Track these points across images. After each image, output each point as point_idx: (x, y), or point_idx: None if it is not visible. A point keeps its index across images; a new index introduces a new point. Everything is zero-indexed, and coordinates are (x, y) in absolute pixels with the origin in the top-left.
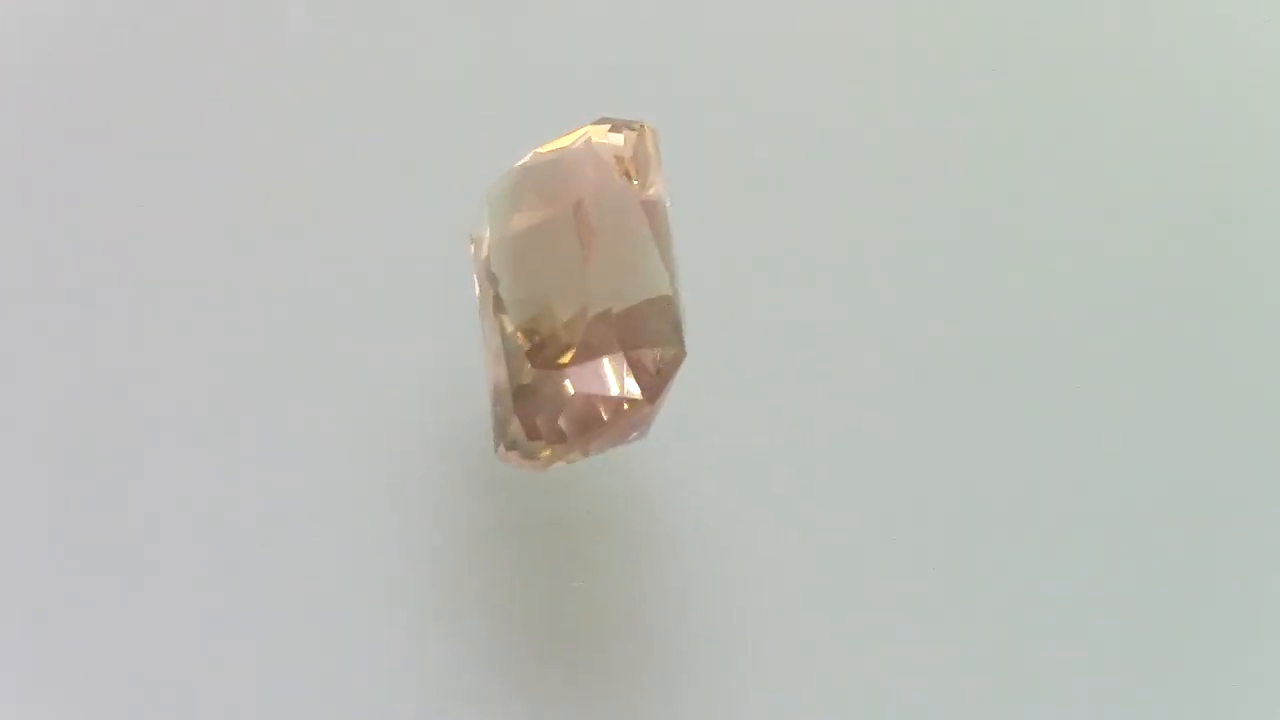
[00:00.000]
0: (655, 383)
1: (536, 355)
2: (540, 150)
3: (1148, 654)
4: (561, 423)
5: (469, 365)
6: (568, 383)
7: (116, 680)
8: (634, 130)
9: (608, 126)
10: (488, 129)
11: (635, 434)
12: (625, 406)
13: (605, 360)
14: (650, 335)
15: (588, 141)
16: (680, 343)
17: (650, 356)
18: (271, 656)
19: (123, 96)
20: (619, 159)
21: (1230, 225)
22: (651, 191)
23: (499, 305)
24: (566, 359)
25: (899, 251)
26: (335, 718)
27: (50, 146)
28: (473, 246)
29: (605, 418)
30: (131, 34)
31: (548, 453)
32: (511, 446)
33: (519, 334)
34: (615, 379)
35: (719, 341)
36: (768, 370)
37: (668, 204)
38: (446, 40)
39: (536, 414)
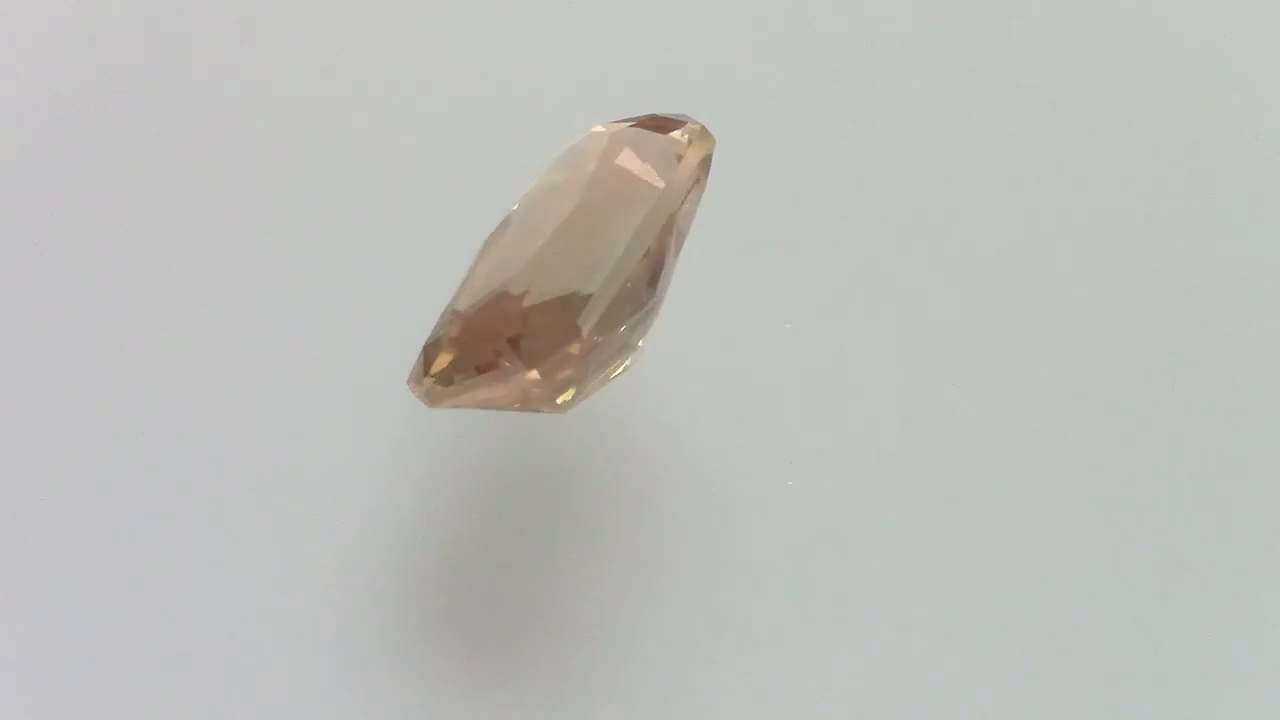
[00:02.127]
0: (534, 354)
1: (462, 299)
2: (610, 122)
3: (1149, 648)
4: (450, 365)
5: None
6: (465, 332)
7: (80, 653)
8: (693, 130)
9: (674, 120)
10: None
11: (533, 399)
12: (504, 368)
13: (504, 323)
14: (550, 317)
15: (642, 125)
16: (575, 330)
17: (541, 336)
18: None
19: (116, 103)
20: (668, 150)
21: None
22: (677, 190)
23: (484, 245)
24: (475, 312)
25: (904, 248)
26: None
27: (42, 152)
28: None
29: (481, 372)
30: (125, 38)
31: (435, 389)
32: (414, 376)
33: (474, 277)
34: (501, 342)
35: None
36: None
37: (687, 205)
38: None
39: (438, 351)
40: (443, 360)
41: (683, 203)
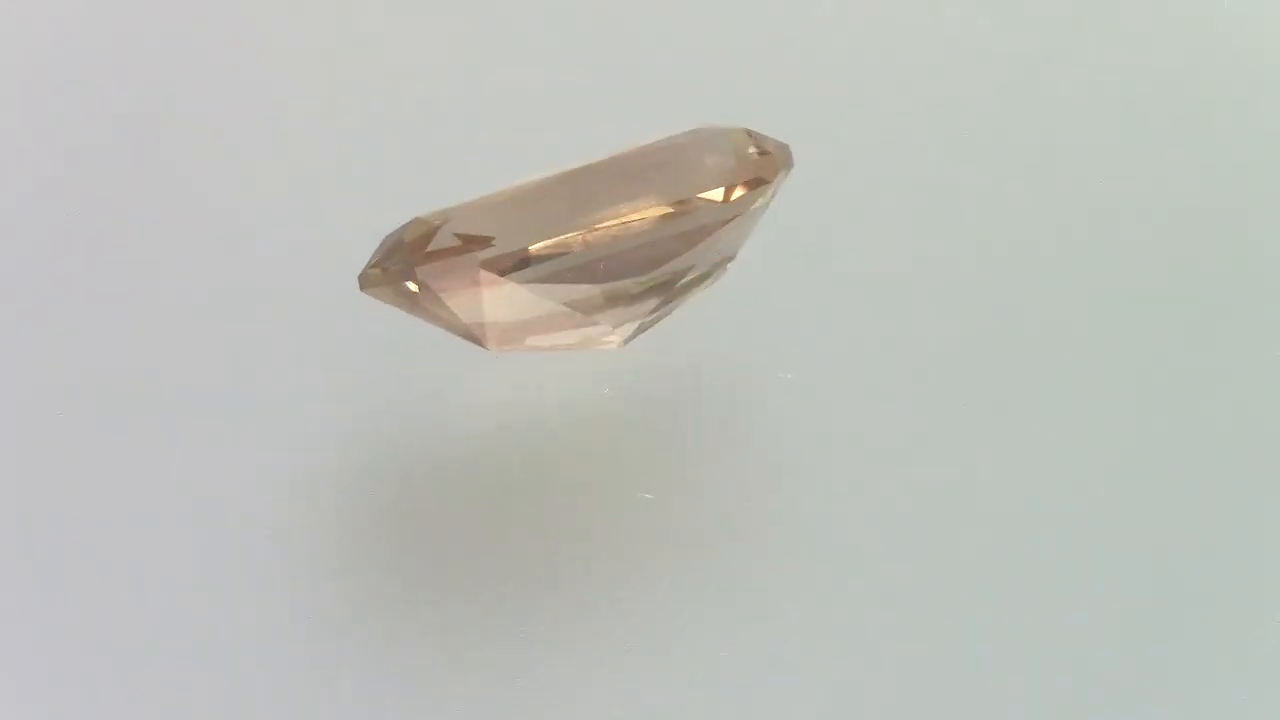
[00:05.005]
0: (431, 276)
1: (430, 213)
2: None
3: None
4: (380, 260)
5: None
6: (402, 237)
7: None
8: (776, 151)
9: (763, 137)
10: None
11: (441, 321)
12: (409, 277)
13: (425, 241)
14: (460, 250)
15: (727, 131)
16: (473, 263)
17: (441, 261)
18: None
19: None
20: (743, 158)
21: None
22: (729, 197)
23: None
24: (421, 223)
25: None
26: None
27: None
28: None
29: (392, 274)
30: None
31: (365, 275)
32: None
33: (466, 200)
34: (418, 255)
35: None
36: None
37: (741, 220)
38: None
39: (381, 246)
40: (378, 254)
41: (733, 215)
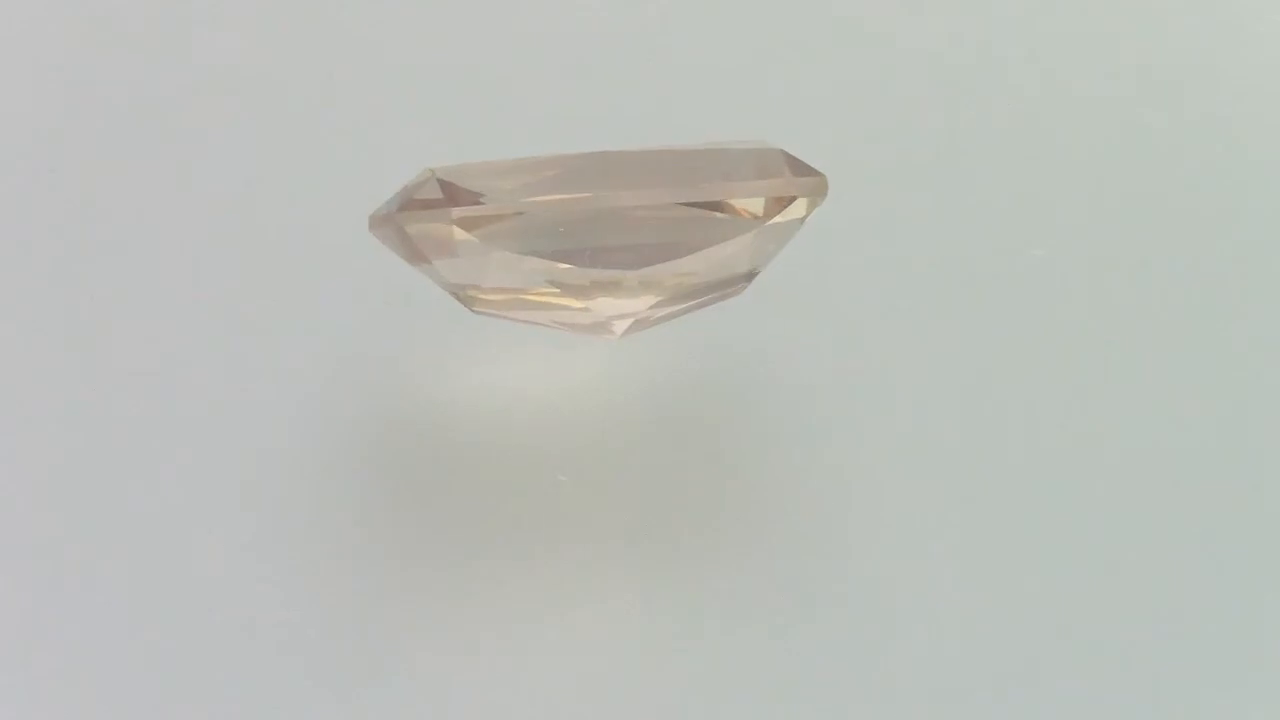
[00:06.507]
0: (411, 219)
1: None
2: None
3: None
4: (388, 203)
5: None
6: (410, 184)
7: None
8: (813, 177)
9: (801, 163)
10: None
11: (417, 266)
12: (393, 217)
13: (416, 189)
14: (442, 196)
15: (771, 150)
16: (447, 215)
17: (422, 207)
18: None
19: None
20: (779, 179)
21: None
22: (757, 215)
23: None
24: (425, 176)
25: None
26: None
27: None
28: None
29: (383, 216)
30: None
31: (372, 217)
32: None
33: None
34: (408, 198)
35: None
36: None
37: (766, 241)
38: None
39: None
40: (389, 198)
41: (748, 229)
